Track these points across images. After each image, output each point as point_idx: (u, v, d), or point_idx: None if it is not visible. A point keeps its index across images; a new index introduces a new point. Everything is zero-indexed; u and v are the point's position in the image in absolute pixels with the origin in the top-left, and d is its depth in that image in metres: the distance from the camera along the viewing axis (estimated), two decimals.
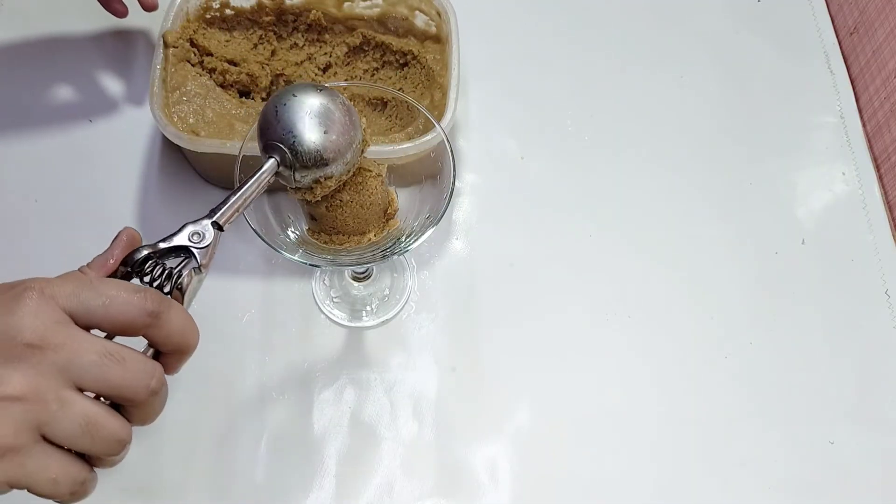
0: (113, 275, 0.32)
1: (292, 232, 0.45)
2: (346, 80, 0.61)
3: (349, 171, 0.41)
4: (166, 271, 0.33)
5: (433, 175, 0.46)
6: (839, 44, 0.69)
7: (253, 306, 0.54)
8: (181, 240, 0.35)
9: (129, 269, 0.33)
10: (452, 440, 0.50)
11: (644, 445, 0.51)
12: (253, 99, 0.59)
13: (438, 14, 0.58)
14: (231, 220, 0.36)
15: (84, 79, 0.63)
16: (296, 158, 0.38)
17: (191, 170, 0.59)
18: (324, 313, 0.54)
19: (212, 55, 0.59)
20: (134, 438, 0.50)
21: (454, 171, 0.43)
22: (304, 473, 0.49)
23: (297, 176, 0.39)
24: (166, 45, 0.55)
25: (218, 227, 0.35)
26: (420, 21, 0.60)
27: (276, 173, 0.38)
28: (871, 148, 0.64)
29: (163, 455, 0.49)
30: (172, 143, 0.53)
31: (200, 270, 0.34)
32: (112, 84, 0.63)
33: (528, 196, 0.60)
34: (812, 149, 0.64)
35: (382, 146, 0.50)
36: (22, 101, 0.62)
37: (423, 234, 0.42)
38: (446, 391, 0.52)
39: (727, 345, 0.54)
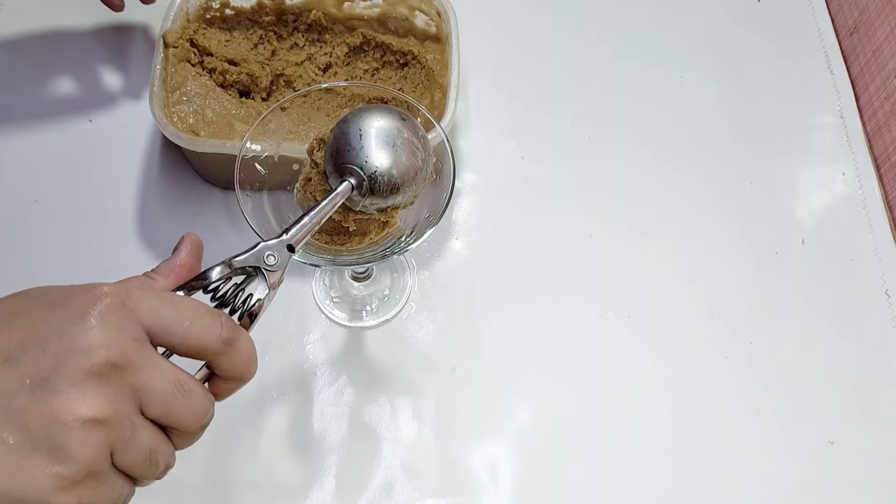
0: (182, 286, 0.31)
1: None
2: (346, 80, 0.61)
3: (413, 202, 0.41)
4: (241, 294, 0.32)
5: (433, 175, 0.46)
6: (839, 44, 0.69)
7: None
8: (255, 260, 0.33)
9: (203, 285, 0.31)
10: (452, 440, 0.50)
11: (644, 445, 0.51)
12: (253, 99, 0.59)
13: (438, 14, 0.58)
14: (303, 241, 0.35)
15: (84, 78, 0.63)
16: (372, 185, 0.38)
17: (191, 170, 0.59)
18: (324, 313, 0.54)
19: (212, 55, 0.59)
20: None
21: (454, 171, 0.43)
22: (304, 473, 0.49)
23: (367, 202, 0.39)
24: (166, 45, 0.55)
25: (290, 248, 0.35)
26: (420, 21, 0.60)
27: (358, 196, 0.38)
28: (871, 148, 0.64)
29: None
30: (172, 142, 0.53)
31: (271, 295, 0.33)
32: (112, 84, 0.63)
33: (528, 196, 0.60)
34: (812, 149, 0.64)
35: None
36: (22, 100, 0.62)
37: (423, 234, 0.42)
38: (446, 391, 0.52)
39: (727, 345, 0.54)
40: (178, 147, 0.54)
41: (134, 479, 0.28)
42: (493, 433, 0.51)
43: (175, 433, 0.29)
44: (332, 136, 0.39)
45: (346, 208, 0.41)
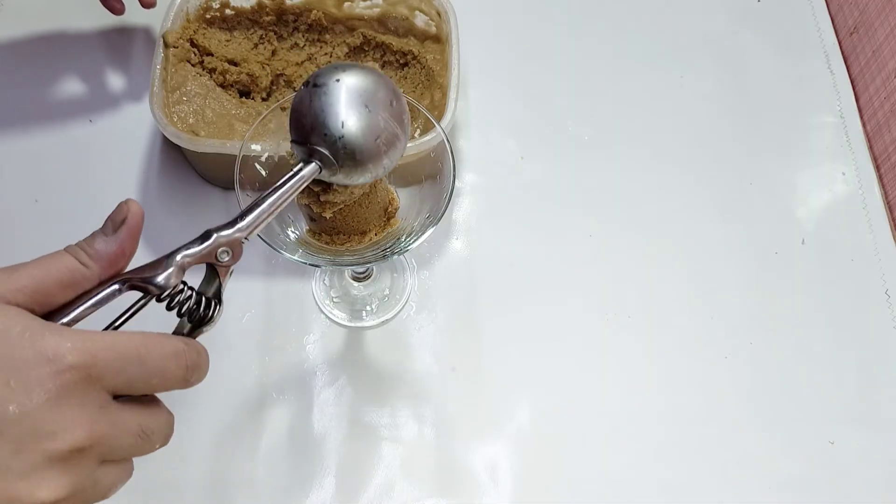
0: (123, 279, 0.28)
1: (292, 232, 0.45)
2: None
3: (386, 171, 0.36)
4: (198, 307, 0.30)
5: (433, 175, 0.46)
6: (839, 44, 0.69)
7: (253, 306, 0.54)
8: (209, 256, 0.30)
9: (154, 293, 0.29)
10: (452, 440, 0.50)
11: (644, 445, 0.51)
12: (253, 99, 0.59)
13: (438, 14, 0.58)
14: (257, 231, 0.32)
15: (84, 78, 0.63)
16: (338, 158, 0.33)
17: (191, 170, 0.59)
18: (324, 313, 0.54)
19: (212, 55, 0.59)
20: None
21: (454, 171, 0.43)
22: (304, 473, 0.49)
23: (341, 177, 0.34)
24: (166, 45, 0.55)
25: (245, 240, 0.32)
26: (420, 21, 0.60)
27: (315, 180, 0.34)
28: (871, 148, 0.64)
29: (162, 455, 0.49)
30: (172, 142, 0.53)
31: (221, 301, 0.31)
32: (112, 84, 0.63)
33: (528, 196, 0.60)
34: (812, 149, 0.64)
35: None
36: (22, 101, 0.62)
37: (423, 234, 0.42)
38: (446, 391, 0.52)
39: (727, 345, 0.54)
40: (178, 147, 0.54)
41: None
42: (493, 433, 0.51)
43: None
44: (294, 102, 0.34)
45: (318, 194, 0.37)
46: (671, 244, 0.58)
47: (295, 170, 0.34)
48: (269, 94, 0.60)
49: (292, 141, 0.35)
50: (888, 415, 0.53)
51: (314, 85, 0.33)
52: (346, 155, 0.33)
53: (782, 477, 0.50)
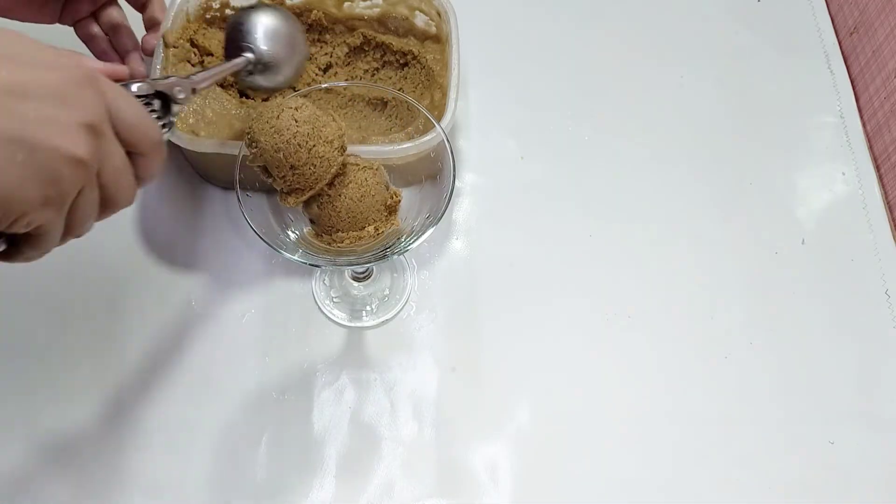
0: None
1: (292, 232, 0.46)
2: (346, 80, 0.61)
3: (298, 75, 0.54)
4: (158, 113, 0.39)
5: (433, 175, 0.46)
6: (839, 44, 0.69)
7: (253, 306, 0.54)
8: (167, 88, 0.39)
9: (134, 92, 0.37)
10: (452, 440, 0.50)
11: (644, 445, 0.51)
12: (253, 99, 0.59)
13: (438, 14, 0.58)
14: (205, 87, 0.43)
15: None
16: (258, 61, 0.50)
17: (191, 170, 0.59)
18: (324, 313, 0.54)
19: (212, 55, 0.59)
20: (133, 437, 0.50)
21: (454, 171, 0.43)
22: (304, 473, 0.49)
23: (259, 79, 0.51)
24: (166, 46, 0.55)
25: (193, 90, 0.41)
26: (420, 21, 0.60)
27: (246, 72, 0.49)
28: (871, 148, 0.64)
29: (162, 455, 0.49)
30: (172, 142, 0.53)
31: (173, 124, 0.40)
32: None
33: (528, 196, 0.60)
34: (812, 149, 0.64)
35: (382, 146, 0.50)
36: None
37: (423, 234, 0.42)
38: (446, 391, 0.52)
39: (727, 345, 0.54)
40: (178, 147, 0.54)
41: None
42: (493, 433, 0.51)
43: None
44: (228, 27, 0.51)
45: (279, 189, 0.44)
46: (671, 244, 0.58)
47: (234, 60, 0.49)
48: (269, 95, 0.60)
49: (230, 50, 0.51)
50: (888, 415, 0.53)
51: (238, 17, 0.51)
52: (262, 53, 0.50)
53: (782, 477, 0.50)
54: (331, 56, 0.61)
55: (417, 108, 0.47)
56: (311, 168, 0.42)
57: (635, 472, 0.50)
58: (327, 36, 0.61)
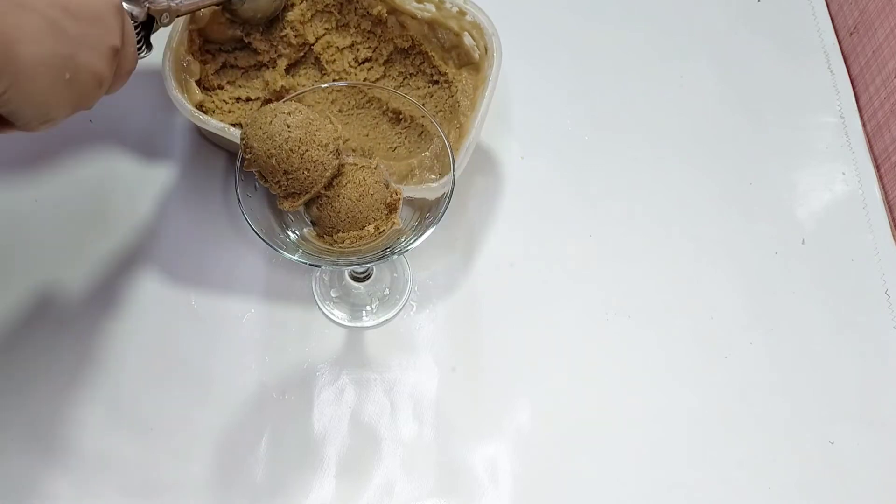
0: None
1: (292, 232, 0.46)
2: (377, 79, 0.60)
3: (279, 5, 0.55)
4: (143, 41, 0.43)
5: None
6: (839, 44, 0.69)
7: (253, 306, 0.54)
8: (157, 14, 0.44)
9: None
10: (452, 440, 0.50)
11: (643, 445, 0.51)
12: (274, 69, 0.59)
13: (486, 49, 0.56)
14: (184, 14, 0.47)
15: None
16: None
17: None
18: (324, 313, 0.54)
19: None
20: (133, 436, 0.50)
21: (454, 171, 0.43)
22: (304, 473, 0.49)
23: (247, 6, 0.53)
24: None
25: (177, 15, 0.46)
26: (467, 41, 0.58)
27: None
28: (871, 148, 0.64)
29: (162, 455, 0.49)
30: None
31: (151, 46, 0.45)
32: None
33: (529, 196, 0.60)
34: (812, 149, 0.64)
35: (419, 186, 0.48)
36: None
37: (423, 234, 0.42)
38: (446, 391, 0.52)
39: (727, 345, 0.54)
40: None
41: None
42: (493, 433, 0.51)
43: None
44: None
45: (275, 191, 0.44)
46: (671, 244, 0.58)
47: None
48: (290, 66, 0.59)
49: None
50: (888, 415, 0.53)
51: None
52: None
53: (782, 477, 0.50)
54: (374, 51, 0.60)
55: (433, 138, 0.46)
56: (305, 172, 0.42)
57: (635, 472, 0.50)
58: (378, 30, 0.60)
